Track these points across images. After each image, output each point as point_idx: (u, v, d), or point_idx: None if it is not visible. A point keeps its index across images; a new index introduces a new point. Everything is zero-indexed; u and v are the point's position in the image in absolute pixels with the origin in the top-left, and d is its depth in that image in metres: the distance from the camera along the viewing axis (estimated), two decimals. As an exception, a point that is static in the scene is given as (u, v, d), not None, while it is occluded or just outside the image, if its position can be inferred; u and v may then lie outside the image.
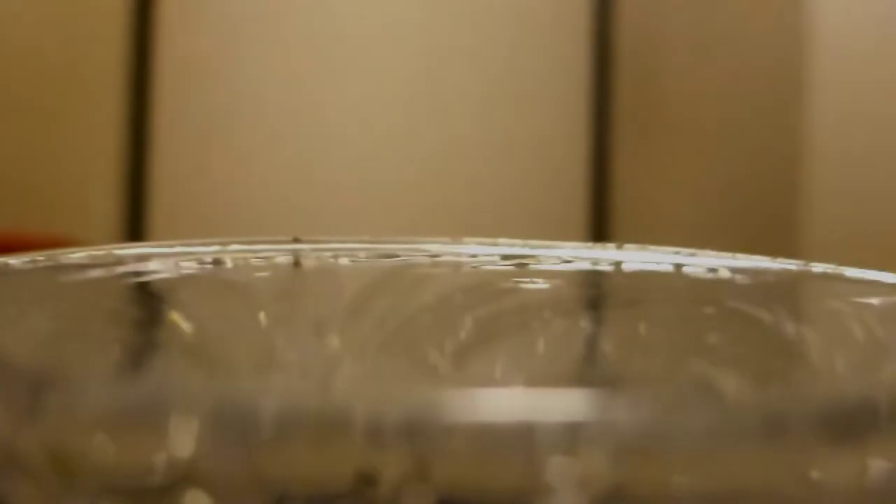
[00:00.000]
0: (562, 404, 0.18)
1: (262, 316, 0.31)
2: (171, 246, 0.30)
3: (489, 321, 0.32)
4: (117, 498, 0.20)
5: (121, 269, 0.29)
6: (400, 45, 0.93)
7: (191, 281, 0.30)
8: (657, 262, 0.32)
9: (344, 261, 0.31)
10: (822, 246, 1.02)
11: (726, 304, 0.31)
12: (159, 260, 0.30)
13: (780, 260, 0.31)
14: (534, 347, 0.32)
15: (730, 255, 0.31)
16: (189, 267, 0.30)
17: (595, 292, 0.33)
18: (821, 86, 1.04)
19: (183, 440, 0.19)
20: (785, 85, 1.06)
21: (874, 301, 0.29)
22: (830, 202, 1.04)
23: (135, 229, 0.94)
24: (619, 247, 0.32)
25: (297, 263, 0.31)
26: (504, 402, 0.18)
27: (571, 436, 0.18)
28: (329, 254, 0.31)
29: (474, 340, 0.32)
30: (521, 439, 0.18)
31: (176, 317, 0.31)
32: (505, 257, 0.32)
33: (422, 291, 0.32)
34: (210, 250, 0.30)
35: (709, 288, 0.31)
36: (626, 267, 0.32)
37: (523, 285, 0.32)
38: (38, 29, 0.97)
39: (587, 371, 0.32)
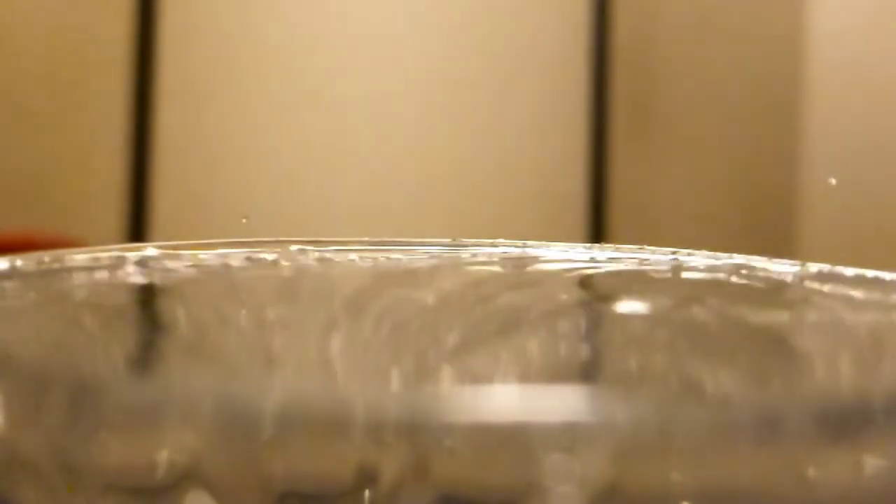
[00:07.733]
0: (560, 403, 0.18)
1: (263, 315, 0.31)
2: (174, 247, 0.30)
3: (489, 320, 0.32)
4: (120, 497, 0.20)
5: (124, 270, 0.29)
6: (400, 48, 0.93)
7: (193, 281, 0.30)
8: (655, 263, 0.32)
9: (345, 261, 0.32)
10: (819, 245, 1.02)
11: (723, 303, 0.31)
12: (162, 260, 0.30)
13: (776, 260, 0.31)
14: (532, 347, 0.32)
15: (727, 255, 0.31)
16: (192, 267, 0.30)
17: (593, 292, 0.33)
18: (819, 86, 1.04)
19: (185, 439, 0.19)
20: (783, 85, 1.06)
21: (870, 301, 0.29)
22: (828, 202, 1.04)
23: (138, 230, 0.94)
24: (617, 247, 0.32)
25: (298, 264, 0.31)
26: (503, 401, 0.18)
27: (569, 434, 0.18)
28: (330, 254, 0.32)
29: (474, 340, 0.32)
30: (520, 438, 0.18)
31: (178, 316, 0.31)
32: (504, 258, 0.32)
33: (422, 291, 0.32)
34: (212, 251, 0.30)
35: (706, 288, 0.31)
36: (624, 267, 0.32)
37: (522, 285, 0.32)
38: (43, 34, 0.97)
39: (585, 370, 0.32)
